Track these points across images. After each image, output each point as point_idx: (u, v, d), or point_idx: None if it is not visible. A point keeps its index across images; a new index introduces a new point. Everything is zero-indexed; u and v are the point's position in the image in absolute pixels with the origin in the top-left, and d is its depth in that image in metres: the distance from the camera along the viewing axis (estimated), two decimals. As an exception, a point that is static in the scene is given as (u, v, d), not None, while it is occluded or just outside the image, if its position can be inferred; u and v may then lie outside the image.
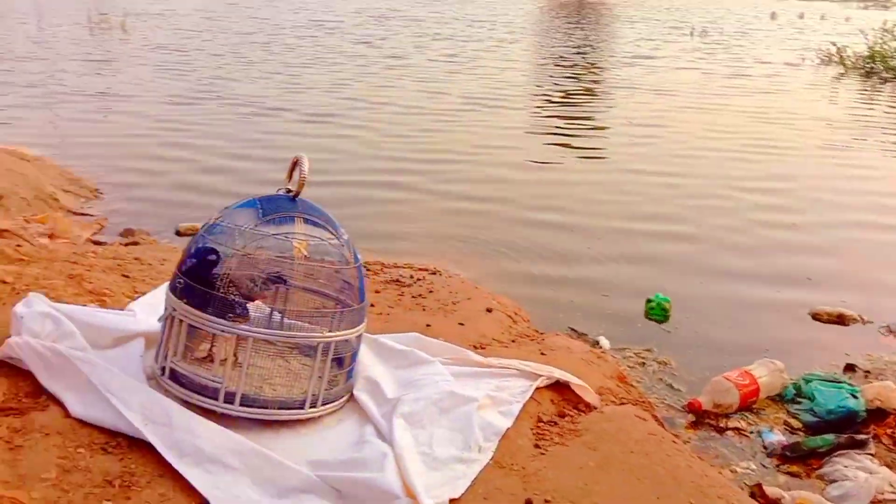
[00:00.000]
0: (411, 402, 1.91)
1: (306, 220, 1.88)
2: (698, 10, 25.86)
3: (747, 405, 2.56)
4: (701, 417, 2.56)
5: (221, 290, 1.79)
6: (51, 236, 3.60)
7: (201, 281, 1.80)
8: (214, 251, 1.84)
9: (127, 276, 2.73)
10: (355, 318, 1.95)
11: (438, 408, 1.92)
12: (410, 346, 2.22)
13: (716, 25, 19.40)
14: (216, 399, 1.79)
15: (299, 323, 1.91)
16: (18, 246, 2.73)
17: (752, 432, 2.49)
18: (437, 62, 11.36)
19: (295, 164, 1.94)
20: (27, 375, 1.79)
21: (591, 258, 4.02)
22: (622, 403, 2.31)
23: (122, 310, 2.25)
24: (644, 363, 2.95)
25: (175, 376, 1.84)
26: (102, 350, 1.96)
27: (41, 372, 1.77)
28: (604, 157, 6.21)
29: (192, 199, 4.71)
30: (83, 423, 1.69)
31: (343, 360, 1.97)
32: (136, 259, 3.11)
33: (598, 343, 3.07)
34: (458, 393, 1.97)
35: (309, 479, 1.63)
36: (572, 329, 3.22)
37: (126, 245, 3.71)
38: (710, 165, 5.97)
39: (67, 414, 1.70)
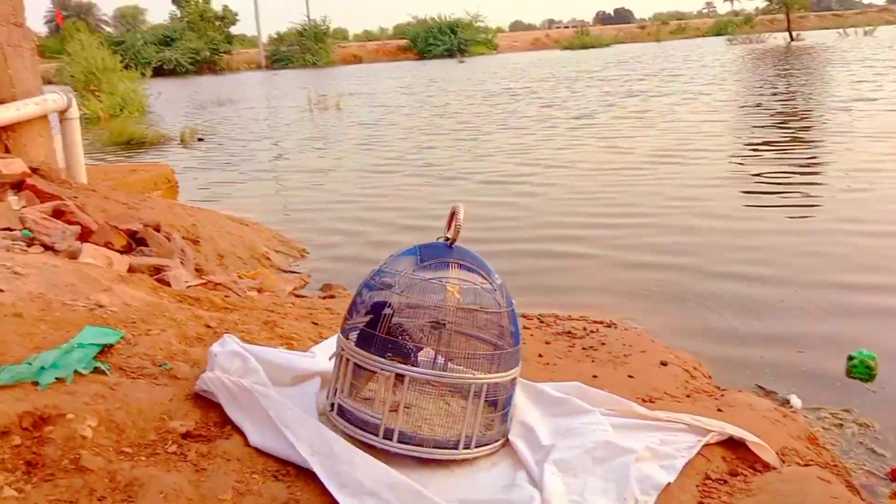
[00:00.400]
0: (565, 450, 1.89)
1: (460, 266, 1.96)
2: (927, 46, 23.48)
3: (967, 476, 2.23)
4: (908, 488, 2.26)
5: (383, 332, 1.90)
6: (259, 290, 3.99)
7: (367, 323, 1.94)
8: (381, 292, 1.97)
9: (316, 324, 2.97)
10: (509, 362, 1.97)
11: (593, 457, 1.87)
12: (570, 395, 2.20)
13: (948, 61, 17.49)
14: (376, 435, 1.88)
15: (456, 366, 1.98)
16: (226, 296, 3.08)
17: (973, 508, 2.15)
18: (624, 119, 11.26)
19: (453, 213, 2.04)
20: (217, 406, 2.00)
21: (786, 314, 3.72)
22: (807, 465, 2.11)
23: (304, 352, 2.44)
24: (842, 424, 2.67)
25: (342, 412, 1.97)
26: (283, 387, 2.15)
27: (228, 404, 1.98)
28: (811, 209, 5.70)
29: (383, 257, 5.01)
30: (259, 451, 1.85)
31: (498, 403, 2.00)
32: (327, 309, 3.37)
33: (788, 402, 2.83)
34: (615, 443, 1.92)
35: (457, 518, 1.66)
36: (759, 386, 3.00)
37: (323, 298, 4.03)
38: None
39: (247, 443, 1.88)
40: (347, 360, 1.96)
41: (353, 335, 2.01)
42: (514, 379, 2.02)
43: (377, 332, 1.89)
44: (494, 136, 10.63)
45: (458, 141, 10.27)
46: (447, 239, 2.02)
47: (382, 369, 1.89)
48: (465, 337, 1.99)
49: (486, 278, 1.99)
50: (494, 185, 7.35)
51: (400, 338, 1.91)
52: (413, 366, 1.94)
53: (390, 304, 1.92)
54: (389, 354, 1.90)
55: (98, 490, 1.64)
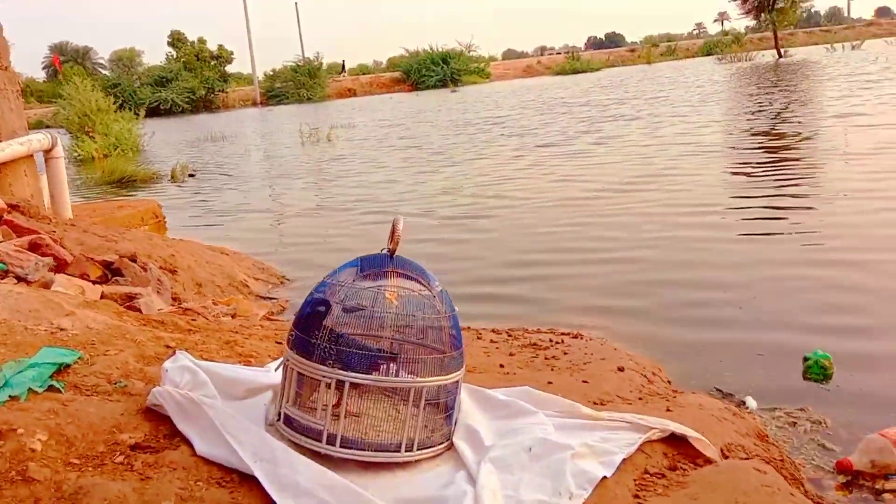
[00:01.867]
0: (501, 448, 1.94)
1: (398, 275, 2.03)
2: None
3: (909, 465, 2.27)
4: (854, 478, 2.30)
5: (321, 341, 1.97)
6: (233, 315, 4.06)
7: (307, 332, 2.00)
8: (323, 302, 2.04)
9: (279, 343, 3.03)
10: (451, 365, 2.03)
11: (529, 454, 1.93)
12: (517, 399, 2.25)
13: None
14: (320, 441, 1.94)
15: (402, 371, 2.04)
16: (192, 320, 3.14)
17: (915, 496, 2.19)
18: (597, 146, 11.06)
19: (394, 226, 2.11)
20: (167, 420, 2.05)
21: (746, 324, 3.75)
22: (748, 459, 2.16)
23: (260, 367, 2.50)
24: (795, 423, 2.72)
25: (288, 420, 2.03)
26: (236, 400, 2.21)
27: (176, 416, 2.03)
28: (792, 234, 5.38)
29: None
30: (205, 460, 1.90)
31: (441, 406, 2.05)
32: (294, 330, 3.43)
33: (744, 403, 2.88)
34: (552, 440, 1.97)
35: (391, 515, 1.71)
36: (718, 389, 3.05)
37: (297, 322, 4.09)
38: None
39: (194, 452, 1.93)
40: (291, 369, 2.02)
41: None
42: (457, 382, 2.08)
43: (315, 340, 1.95)
44: (460, 167, 10.50)
45: (426, 174, 10.15)
46: (388, 250, 2.10)
47: (323, 376, 1.95)
48: (407, 343, 2.05)
49: (424, 285, 2.06)
50: (453, 220, 7.05)
51: (340, 345, 1.97)
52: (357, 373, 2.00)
53: (329, 311, 1.99)
54: (330, 361, 1.96)
55: (43, 499, 1.69)
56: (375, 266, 2.05)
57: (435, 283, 2.08)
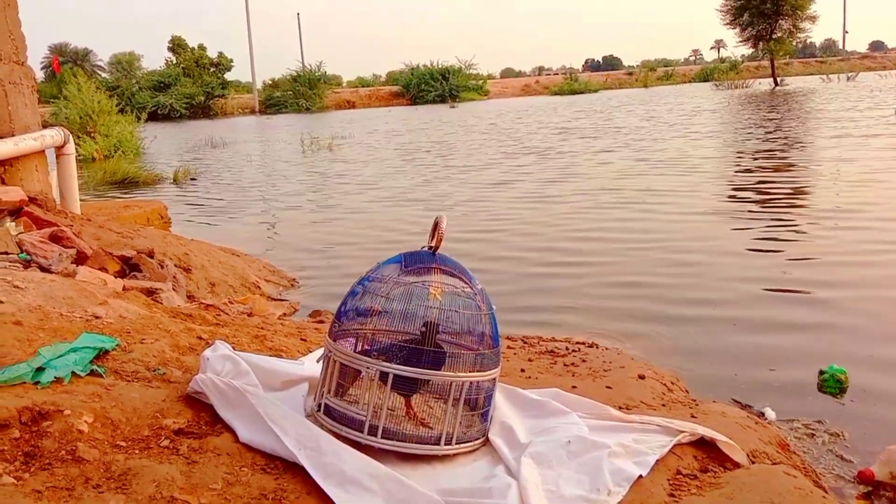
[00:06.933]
0: (540, 444, 1.97)
1: (442, 271, 2.07)
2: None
3: (930, 477, 2.31)
4: (875, 489, 2.34)
5: (366, 332, 2.00)
6: (249, 314, 4.08)
7: (352, 324, 2.04)
8: (368, 295, 2.07)
9: (304, 340, 3.07)
10: (489, 362, 2.07)
11: (567, 451, 1.96)
12: (549, 399, 2.29)
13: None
14: (361, 431, 1.97)
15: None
16: (218, 314, 3.17)
17: (936, 508, 2.23)
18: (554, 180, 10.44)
19: (436, 224, 2.16)
20: (208, 407, 2.08)
21: (758, 336, 3.82)
22: (775, 465, 2.20)
23: (293, 360, 2.53)
24: (813, 434, 2.76)
25: (328, 411, 2.06)
26: (272, 391, 2.23)
27: (218, 403, 2.06)
28: (775, 249, 5.64)
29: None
30: (248, 447, 1.93)
31: (477, 403, 2.09)
32: (315, 329, 3.47)
33: (763, 414, 2.92)
34: (589, 438, 2.01)
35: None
36: (735, 401, 3.09)
37: (313, 322, 4.12)
38: None
39: (237, 439, 1.95)
40: (334, 361, 2.06)
41: (345, 342, 2.10)
42: (494, 379, 2.12)
43: (360, 332, 1.99)
44: (429, 186, 10.10)
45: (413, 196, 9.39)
46: (430, 247, 2.14)
47: (366, 368, 1.98)
48: (448, 338, 2.08)
49: (467, 283, 2.10)
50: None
51: (384, 337, 2.01)
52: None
53: (374, 304, 2.02)
54: (374, 353, 2.00)
55: (94, 479, 1.71)
56: (419, 262, 2.09)
57: (475, 282, 2.12)
